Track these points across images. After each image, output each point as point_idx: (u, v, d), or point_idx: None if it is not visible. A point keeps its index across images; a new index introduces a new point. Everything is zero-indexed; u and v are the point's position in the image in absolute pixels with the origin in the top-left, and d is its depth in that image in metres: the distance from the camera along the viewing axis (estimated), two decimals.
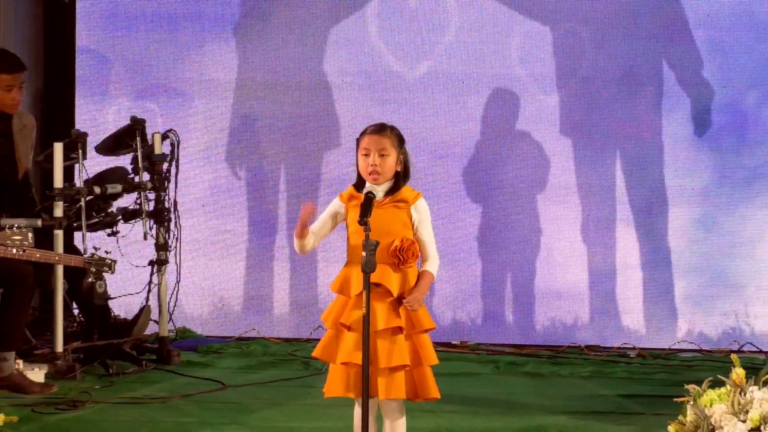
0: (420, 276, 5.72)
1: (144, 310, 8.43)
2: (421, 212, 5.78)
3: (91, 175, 8.13)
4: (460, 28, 9.07)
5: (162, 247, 8.35)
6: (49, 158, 7.87)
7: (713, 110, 8.99)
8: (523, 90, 9.06)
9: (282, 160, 9.22)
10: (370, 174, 5.71)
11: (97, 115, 9.13)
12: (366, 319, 5.48)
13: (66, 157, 7.86)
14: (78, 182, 7.98)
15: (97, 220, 8.11)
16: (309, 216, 5.70)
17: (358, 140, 5.79)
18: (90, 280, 7.81)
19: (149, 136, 8.31)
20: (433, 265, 5.78)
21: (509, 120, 9.08)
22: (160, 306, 8.41)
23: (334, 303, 5.81)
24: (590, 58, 9.03)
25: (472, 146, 9.11)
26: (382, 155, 5.71)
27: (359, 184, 5.80)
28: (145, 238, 8.29)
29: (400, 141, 5.79)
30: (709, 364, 8.33)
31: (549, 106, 9.06)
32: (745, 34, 8.95)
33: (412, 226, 5.77)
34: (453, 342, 8.95)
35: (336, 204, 5.79)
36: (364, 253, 5.46)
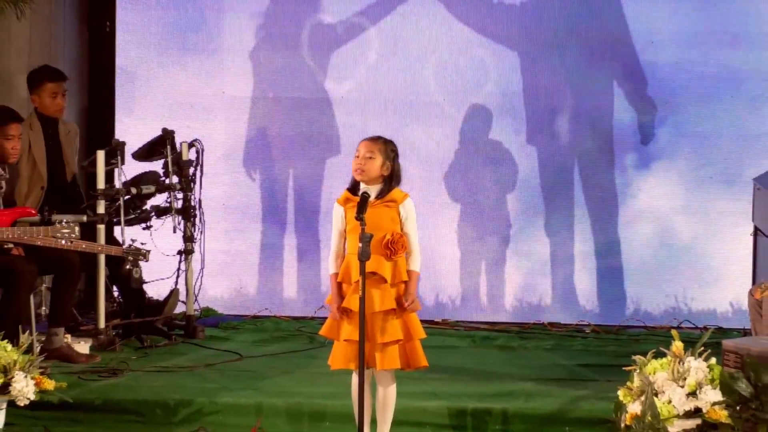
0: (409, 276, 5.76)
1: (173, 292, 8.43)
2: (408, 210, 5.81)
3: (128, 178, 8.12)
4: (451, 49, 9.09)
5: (189, 239, 8.35)
6: (93, 163, 7.87)
7: (656, 123, 8.99)
8: (496, 106, 9.06)
9: (291, 165, 9.21)
10: (355, 171, 5.76)
11: (133, 127, 9.11)
12: (362, 300, 5.49)
13: (107, 162, 7.86)
14: (117, 184, 7.98)
15: (133, 216, 8.11)
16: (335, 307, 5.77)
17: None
18: (128, 267, 7.81)
19: (178, 145, 8.31)
20: (416, 262, 5.83)
21: (484, 131, 9.07)
22: (187, 289, 8.42)
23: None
24: (532, 76, 9.05)
25: (452, 154, 9.11)
26: (368, 158, 5.76)
27: (353, 186, 5.83)
28: (175, 231, 8.30)
29: (390, 150, 5.82)
30: (653, 338, 8.32)
31: (518, 120, 9.05)
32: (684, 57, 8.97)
33: (400, 221, 5.79)
34: (436, 320, 8.93)
35: (338, 210, 5.83)
36: (360, 244, 5.48)
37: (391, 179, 5.80)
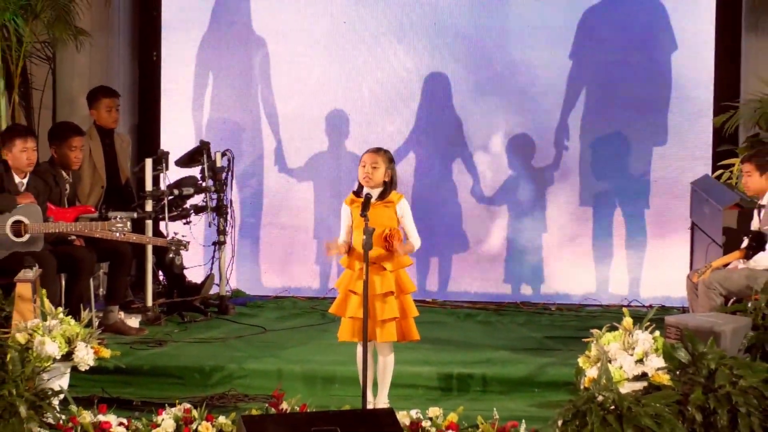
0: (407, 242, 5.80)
1: (209, 277, 8.44)
2: (404, 209, 5.84)
3: (171, 182, 8.13)
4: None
5: (221, 232, 8.34)
6: (142, 170, 7.90)
7: (610, 133, 8.97)
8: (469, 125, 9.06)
9: (306, 171, 9.19)
10: (364, 179, 5.79)
11: (175, 139, 9.10)
12: (365, 284, 5.51)
13: (154, 169, 7.87)
14: (162, 187, 7.99)
15: (175, 213, 8.10)
16: (332, 250, 5.77)
17: (361, 158, 5.88)
18: (171, 255, 7.82)
19: (213, 154, 8.32)
20: (416, 242, 5.85)
21: (456, 149, 9.07)
22: (220, 274, 8.41)
23: (344, 275, 5.87)
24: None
25: (437, 165, 9.10)
26: (374, 167, 5.79)
27: (358, 188, 5.86)
28: (210, 226, 8.30)
29: (389, 159, 5.85)
30: (607, 315, 8.27)
31: (497, 133, 9.04)
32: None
33: (397, 219, 5.81)
34: (427, 300, 8.92)
35: (345, 209, 5.86)
36: (364, 237, 5.49)
37: (390, 183, 5.83)
